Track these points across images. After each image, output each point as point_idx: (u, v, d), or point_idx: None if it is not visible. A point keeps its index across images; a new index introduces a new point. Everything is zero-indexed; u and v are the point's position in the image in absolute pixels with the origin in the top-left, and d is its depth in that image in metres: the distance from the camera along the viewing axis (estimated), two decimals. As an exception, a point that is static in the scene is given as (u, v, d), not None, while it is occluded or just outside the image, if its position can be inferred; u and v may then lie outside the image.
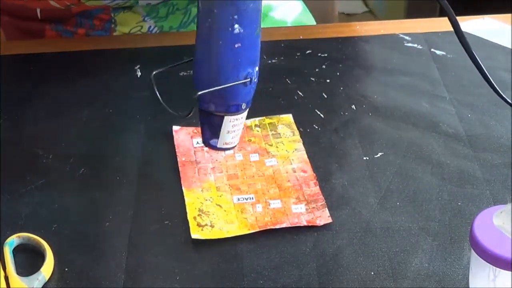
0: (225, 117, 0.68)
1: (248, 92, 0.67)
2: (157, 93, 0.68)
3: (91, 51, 0.94)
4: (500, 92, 0.79)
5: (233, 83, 0.65)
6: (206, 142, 0.71)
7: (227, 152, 0.77)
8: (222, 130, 0.69)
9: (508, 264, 0.55)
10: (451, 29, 0.76)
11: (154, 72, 0.69)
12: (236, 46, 0.64)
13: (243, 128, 0.72)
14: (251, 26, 0.64)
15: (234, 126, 0.69)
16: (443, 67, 0.90)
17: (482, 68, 0.78)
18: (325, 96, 0.86)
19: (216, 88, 0.65)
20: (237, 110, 0.68)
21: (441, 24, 0.97)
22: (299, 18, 1.09)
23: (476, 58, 0.78)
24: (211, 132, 0.70)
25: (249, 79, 0.66)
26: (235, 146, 0.72)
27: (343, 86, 0.87)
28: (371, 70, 0.91)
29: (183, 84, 0.83)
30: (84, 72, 0.90)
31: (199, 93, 0.65)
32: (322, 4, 1.27)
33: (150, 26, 1.00)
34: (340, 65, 0.90)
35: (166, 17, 1.00)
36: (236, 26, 0.63)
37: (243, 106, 0.68)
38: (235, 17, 0.63)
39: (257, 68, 0.67)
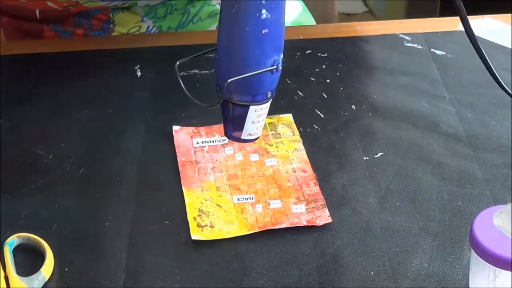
0: (251, 107, 0.66)
1: (273, 80, 0.66)
2: (182, 83, 0.66)
3: (90, 51, 0.94)
4: (506, 87, 0.78)
5: (261, 71, 0.64)
6: (228, 135, 0.69)
7: (227, 152, 0.77)
8: (247, 120, 0.67)
9: (508, 264, 0.55)
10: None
11: (178, 62, 0.67)
12: (263, 32, 0.62)
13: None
14: (278, 11, 0.63)
15: (259, 116, 0.67)
16: (443, 67, 0.90)
17: (488, 63, 0.77)
18: (325, 96, 0.86)
19: (243, 75, 0.63)
20: (262, 99, 0.66)
21: (441, 24, 0.97)
22: (299, 18, 1.09)
23: (484, 55, 0.77)
24: (235, 123, 0.67)
25: (275, 66, 0.64)
26: (258, 137, 0.69)
27: (343, 86, 0.87)
28: (371, 70, 0.90)
29: (184, 84, 0.83)
30: (84, 72, 0.90)
31: (229, 80, 0.63)
32: (322, 4, 1.27)
33: (149, 26, 1.00)
34: (340, 65, 0.90)
35: (165, 17, 1.00)
36: (264, 11, 0.61)
37: (269, 94, 0.66)
38: (263, 2, 0.61)
39: (282, 55, 0.65)
